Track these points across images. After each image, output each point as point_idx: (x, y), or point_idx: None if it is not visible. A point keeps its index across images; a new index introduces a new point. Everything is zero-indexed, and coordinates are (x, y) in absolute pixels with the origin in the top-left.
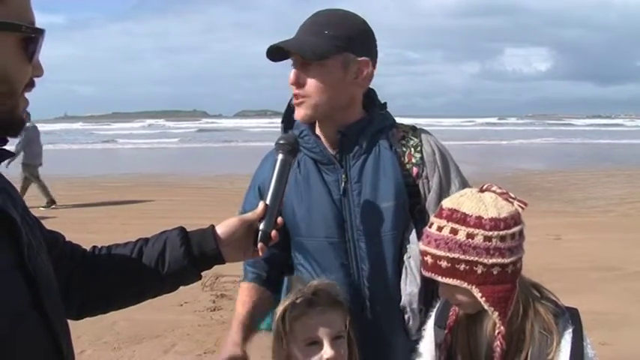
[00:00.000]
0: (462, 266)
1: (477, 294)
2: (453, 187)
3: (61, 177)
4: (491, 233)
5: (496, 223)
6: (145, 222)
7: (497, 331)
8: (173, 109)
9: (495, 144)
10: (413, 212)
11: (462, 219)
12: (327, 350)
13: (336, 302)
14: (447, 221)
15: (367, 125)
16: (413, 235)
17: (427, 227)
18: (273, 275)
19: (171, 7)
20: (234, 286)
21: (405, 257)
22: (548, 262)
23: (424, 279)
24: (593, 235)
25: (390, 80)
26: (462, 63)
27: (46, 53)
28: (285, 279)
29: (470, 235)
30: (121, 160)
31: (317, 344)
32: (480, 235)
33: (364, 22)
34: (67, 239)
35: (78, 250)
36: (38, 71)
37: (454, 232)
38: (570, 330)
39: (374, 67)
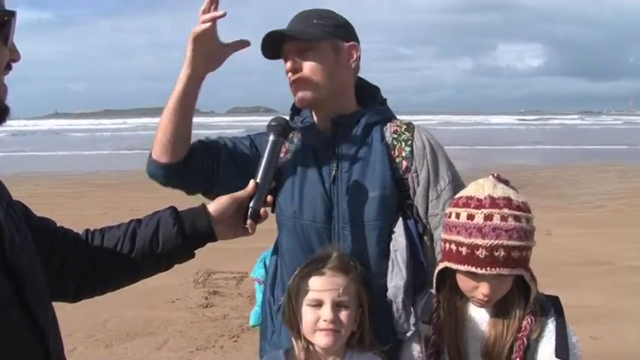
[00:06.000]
0: (525, 253)
1: (529, 280)
2: (442, 182)
3: (53, 174)
4: (532, 215)
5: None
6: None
7: (524, 326)
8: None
9: (487, 140)
10: (403, 206)
11: (517, 206)
12: (326, 312)
13: (347, 270)
14: (508, 209)
15: (362, 117)
16: (400, 228)
17: (482, 220)
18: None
19: (162, 2)
20: (227, 283)
21: (391, 249)
22: (539, 256)
23: (411, 272)
24: (584, 231)
25: (382, 76)
26: (454, 59)
27: (35, 50)
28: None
29: (528, 220)
30: (113, 158)
31: (321, 307)
32: (532, 219)
33: (344, 18)
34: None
35: (70, 234)
36: (15, 55)
37: (517, 219)
38: (553, 318)
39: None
